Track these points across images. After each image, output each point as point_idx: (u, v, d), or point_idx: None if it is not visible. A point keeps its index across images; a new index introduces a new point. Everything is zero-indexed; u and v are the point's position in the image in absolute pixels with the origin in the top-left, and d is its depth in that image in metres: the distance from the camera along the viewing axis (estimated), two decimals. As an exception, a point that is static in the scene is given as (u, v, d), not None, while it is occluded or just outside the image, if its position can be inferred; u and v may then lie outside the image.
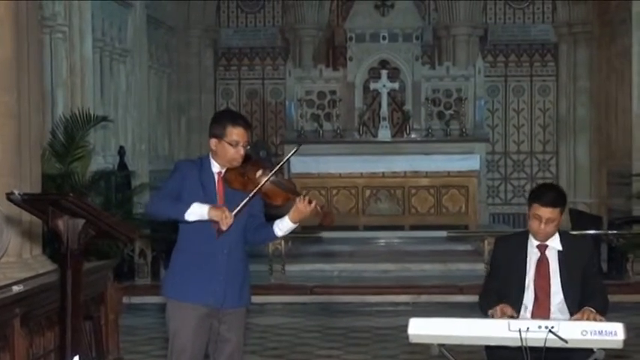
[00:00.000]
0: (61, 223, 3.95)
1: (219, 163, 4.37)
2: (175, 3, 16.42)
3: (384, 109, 16.00)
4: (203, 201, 4.25)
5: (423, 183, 14.47)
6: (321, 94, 16.34)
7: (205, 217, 4.19)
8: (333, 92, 16.36)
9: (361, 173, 14.52)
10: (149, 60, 14.89)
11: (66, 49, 11.68)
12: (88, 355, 5.26)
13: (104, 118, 10.70)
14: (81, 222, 3.97)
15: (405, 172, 14.53)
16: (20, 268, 6.84)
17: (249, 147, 4.38)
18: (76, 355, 3.84)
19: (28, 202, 4.02)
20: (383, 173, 14.54)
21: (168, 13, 16.09)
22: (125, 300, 7.13)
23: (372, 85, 16.10)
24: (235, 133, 4.29)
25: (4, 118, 6.96)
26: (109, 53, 13.25)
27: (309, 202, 4.24)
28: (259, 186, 4.24)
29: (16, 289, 4.52)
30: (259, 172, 4.29)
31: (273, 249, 10.96)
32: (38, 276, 5.38)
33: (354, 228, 14.06)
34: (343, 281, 11.17)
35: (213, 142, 4.35)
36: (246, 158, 4.39)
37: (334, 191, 14.43)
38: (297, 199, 4.26)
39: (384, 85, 15.90)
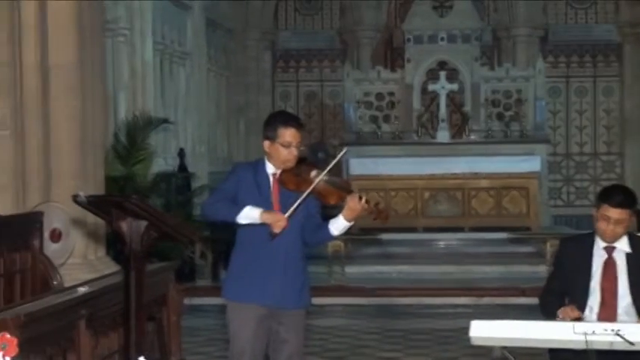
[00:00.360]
0: (124, 225, 4.00)
1: (273, 165, 4.38)
2: (233, 5, 16.53)
3: (443, 111, 15.90)
4: (259, 202, 4.27)
5: (483, 184, 14.34)
6: (380, 96, 16.29)
7: (257, 220, 4.21)
8: (391, 94, 16.30)
9: (420, 175, 14.43)
10: (208, 62, 15.02)
11: (127, 52, 11.84)
12: (152, 356, 5.32)
13: (165, 121, 10.82)
14: (143, 224, 4.01)
15: (465, 174, 14.41)
16: (85, 269, 6.96)
17: (302, 148, 4.38)
18: (140, 355, 3.88)
19: (93, 204, 4.08)
20: (442, 175, 14.42)
21: (227, 15, 16.20)
22: (186, 301, 7.17)
23: (431, 87, 16.01)
24: (287, 134, 4.30)
25: (69, 121, 7.09)
26: (168, 56, 13.40)
27: (361, 199, 4.22)
28: (312, 186, 4.24)
29: (81, 290, 4.59)
30: (313, 173, 4.29)
31: (333, 251, 10.95)
32: (102, 277, 5.45)
33: (413, 230, 13.98)
34: (403, 283, 11.11)
35: (266, 144, 4.37)
36: (301, 159, 4.39)
37: (393, 193, 14.37)
38: (349, 197, 4.24)
39: (442, 87, 15.80)
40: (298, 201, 4.24)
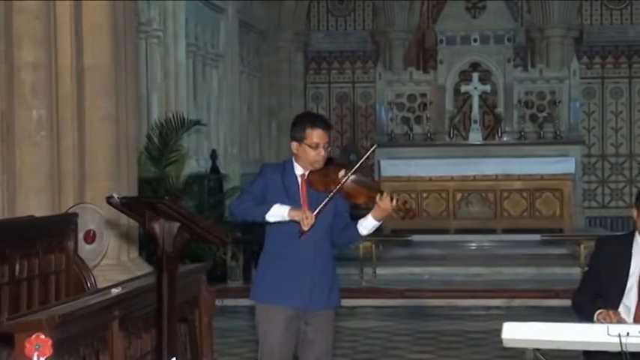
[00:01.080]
0: (157, 227, 4.00)
1: (301, 166, 4.38)
2: (266, 7, 16.57)
3: (475, 112, 15.83)
4: (287, 203, 4.27)
5: (516, 186, 14.26)
6: (412, 97, 16.26)
7: (286, 218, 4.21)
8: (423, 95, 16.26)
9: (452, 176, 14.39)
10: (240, 64, 15.07)
11: (160, 53, 11.91)
12: (184, 357, 5.34)
13: (197, 122, 10.86)
14: (176, 225, 4.02)
15: (497, 175, 14.35)
16: (118, 270, 7.01)
17: (330, 148, 4.38)
18: (172, 357, 3.90)
19: (126, 205, 4.10)
20: (474, 176, 14.39)
21: (259, 17, 16.24)
22: (218, 302, 7.19)
23: (463, 88, 15.95)
24: (315, 135, 4.30)
25: (103, 122, 7.14)
26: (201, 58, 13.46)
27: (391, 199, 4.22)
28: (340, 184, 4.24)
29: (114, 291, 4.62)
30: (342, 173, 4.29)
31: (364, 252, 10.95)
32: (135, 279, 5.48)
33: (445, 231, 13.95)
34: (434, 285, 11.09)
35: (294, 145, 4.37)
36: (329, 160, 4.39)
37: (424, 194, 14.34)
38: (378, 196, 4.24)
39: (475, 88, 15.74)
40: (326, 199, 4.24)
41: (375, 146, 4.61)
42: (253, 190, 4.35)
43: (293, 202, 4.32)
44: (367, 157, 4.56)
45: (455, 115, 16.23)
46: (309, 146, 4.30)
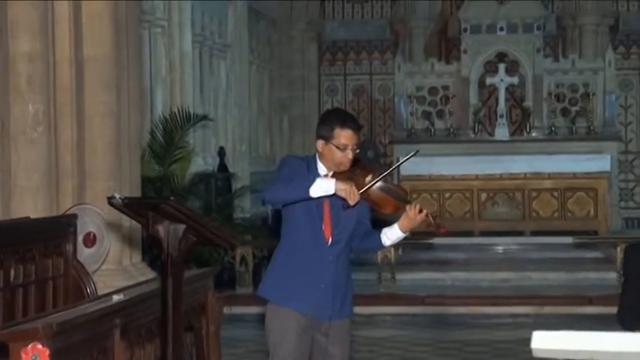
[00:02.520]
0: (161, 229, 4.01)
1: (326, 166, 4.35)
2: (278, -5, 16.59)
3: (502, 106, 15.80)
4: (309, 205, 4.26)
5: (546, 185, 14.22)
6: (433, 90, 16.24)
7: (331, 191, 4.14)
8: (445, 88, 16.24)
9: (476, 175, 14.37)
10: (250, 55, 15.09)
11: (165, 44, 11.94)
12: (190, 367, 5.36)
13: (204, 117, 10.89)
14: (181, 227, 4.03)
15: (526, 174, 14.31)
16: (120, 275, 7.03)
17: (357, 150, 4.36)
18: (178, 368, 3.90)
19: (128, 206, 4.11)
20: (501, 175, 14.36)
21: (270, 5, 16.25)
22: (226, 310, 7.21)
23: (489, 80, 15.92)
24: (344, 136, 4.27)
25: (103, 117, 7.15)
26: (208, 48, 13.48)
27: (420, 210, 4.20)
28: (366, 188, 4.20)
29: (116, 298, 4.63)
30: (369, 178, 4.26)
31: (382, 256, 10.94)
32: (138, 284, 5.49)
33: (469, 234, 13.93)
34: (457, 291, 11.07)
35: (320, 143, 4.34)
36: (355, 161, 4.38)
37: (447, 194, 14.33)
38: (408, 208, 4.22)
39: (501, 80, 15.71)
40: (375, 179, 4.17)
41: (416, 152, 4.49)
42: (285, 175, 4.28)
43: (314, 204, 4.30)
44: (402, 163, 4.51)
45: (480, 109, 16.19)
46: (337, 147, 4.28)
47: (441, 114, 16.09)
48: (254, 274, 10.98)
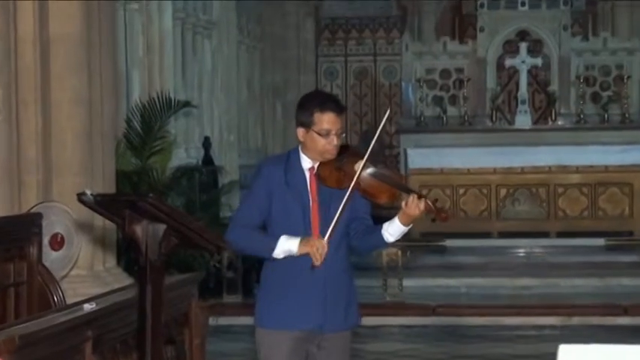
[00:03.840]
0: (138, 229, 4.00)
1: (309, 157, 4.34)
2: (269, -35, 16.58)
3: (524, 91, 15.81)
4: (292, 207, 4.27)
5: (574, 180, 14.22)
6: (445, 73, 16.24)
7: (295, 252, 4.24)
8: (459, 70, 16.25)
9: (495, 168, 14.36)
10: (238, 34, 15.08)
11: (142, 22, 11.93)
12: (171, 386, 5.36)
13: (186, 104, 10.87)
14: (162, 228, 4.01)
15: (551, 167, 14.31)
16: (92, 282, 7.03)
17: (343, 135, 4.36)
18: (157, 386, 3.90)
19: (101, 204, 4.09)
20: (522, 168, 14.35)
21: (262, -23, 16.26)
22: (212, 321, 7.21)
23: (509, 62, 15.93)
24: (325, 121, 4.27)
25: (72, 105, 7.15)
26: (191, 27, 13.47)
27: (420, 197, 4.19)
28: (354, 179, 4.21)
29: (87, 307, 4.62)
30: (358, 165, 4.27)
31: (388, 260, 10.93)
32: (112, 292, 5.48)
33: (487, 235, 13.93)
34: (473, 300, 11.07)
35: (300, 132, 4.33)
36: (344, 149, 4.37)
37: (461, 190, 14.32)
38: (405, 197, 4.21)
39: (523, 61, 15.71)
40: (338, 211, 4.21)
41: (388, 112, 4.56)
42: (251, 207, 4.32)
43: (299, 202, 4.29)
44: (381, 130, 4.52)
45: (498, 94, 16.20)
46: (319, 133, 4.27)
47: (454, 100, 16.09)
48: (244, 280, 10.98)
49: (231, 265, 11.07)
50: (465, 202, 14.27)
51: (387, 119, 4.58)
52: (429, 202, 4.20)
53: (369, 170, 4.25)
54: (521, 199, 14.29)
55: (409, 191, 4.24)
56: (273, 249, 4.26)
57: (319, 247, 4.21)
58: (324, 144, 4.28)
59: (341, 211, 4.23)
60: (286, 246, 4.25)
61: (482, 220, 14.20)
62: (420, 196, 4.18)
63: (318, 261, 4.21)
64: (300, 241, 4.24)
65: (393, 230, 4.31)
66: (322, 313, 4.33)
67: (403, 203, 4.21)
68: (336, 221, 4.23)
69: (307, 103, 4.35)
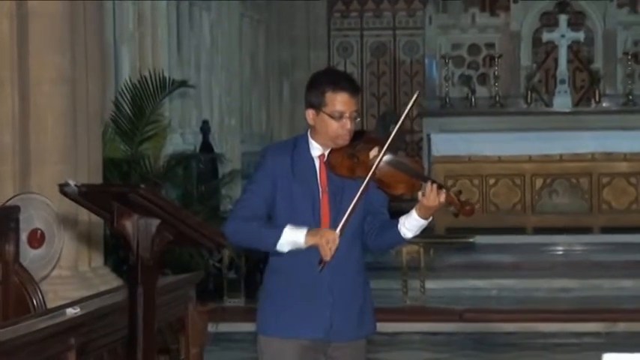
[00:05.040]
0: (129, 225, 4.02)
1: (320, 143, 4.35)
2: None
3: (563, 69, 15.78)
4: (299, 198, 4.28)
5: (620, 169, 14.20)
6: (474, 49, 16.22)
7: (302, 245, 4.23)
8: (490, 46, 16.23)
9: (530, 156, 14.35)
10: (240, 6, 15.06)
11: (132, -8, 11.93)
12: (165, 400, 5.38)
13: (182, 84, 10.86)
14: (155, 223, 4.04)
15: (594, 154, 14.29)
16: (76, 284, 7.04)
17: (358, 119, 4.35)
18: (149, 400, 3.92)
19: (86, 195, 4.11)
20: (561, 156, 14.33)
21: (267, -59, 16.25)
22: (211, 328, 7.21)
23: (546, 36, 15.90)
24: (338, 101, 4.28)
25: (54, 85, 7.15)
26: (188, -3, 13.48)
27: (440, 187, 4.18)
28: (372, 169, 4.20)
29: (70, 312, 4.64)
30: (373, 152, 4.26)
31: (409, 259, 10.94)
32: (99, 295, 5.50)
33: (520, 231, 13.93)
34: (505, 303, 11.08)
35: (310, 114, 4.34)
36: (359, 134, 4.37)
37: (492, 181, 14.32)
38: (424, 187, 4.21)
39: (562, 36, 15.68)
40: (353, 202, 4.21)
41: (417, 94, 4.52)
42: (252, 197, 4.32)
43: (307, 194, 4.30)
44: (407, 115, 4.52)
45: (534, 72, 16.18)
46: (330, 116, 4.28)
47: (483, 79, 16.07)
48: (247, 282, 10.99)
49: (232, 264, 11.08)
50: (496, 193, 14.26)
51: (414, 102, 4.55)
52: (451, 193, 4.19)
53: (385, 158, 4.25)
54: (559, 191, 14.28)
55: (428, 180, 4.23)
56: (277, 240, 4.24)
57: (330, 239, 4.20)
58: (336, 128, 4.29)
59: (356, 202, 4.23)
60: (292, 236, 4.24)
61: (516, 214, 14.20)
62: (440, 186, 4.18)
63: (327, 255, 4.20)
64: (308, 232, 4.23)
65: (410, 224, 4.31)
66: (328, 319, 4.33)
67: (420, 193, 4.21)
68: (350, 212, 4.22)
69: (318, 82, 4.36)
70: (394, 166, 4.25)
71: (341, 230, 4.22)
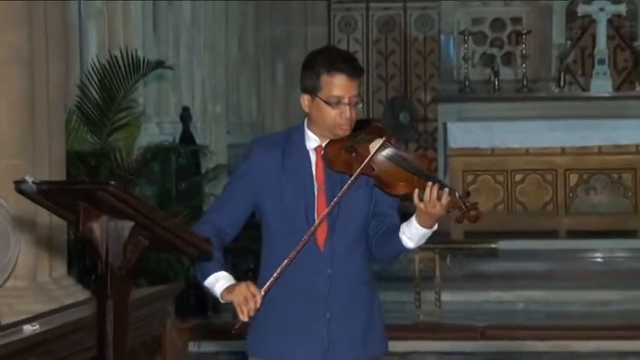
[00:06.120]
0: (97, 228, 4.02)
1: (317, 134, 4.38)
2: None
3: (602, 47, 15.78)
4: (291, 199, 4.31)
5: (670, 164, 14.23)
6: (498, 24, 16.24)
7: (220, 299, 4.34)
8: (516, 20, 16.25)
9: (563, 148, 14.35)
10: (227, -26, 15.07)
11: (100, -41, 11.94)
12: None
13: (159, 65, 10.88)
14: (127, 225, 4.03)
15: (638, 146, 14.29)
16: (35, 297, 7.02)
17: (360, 105, 4.36)
18: None
19: (47, 194, 4.11)
20: (599, 148, 14.34)
21: None
22: (192, 347, 7.22)
23: (582, 9, 15.91)
24: (336, 85, 4.29)
25: (8, 66, 7.15)
26: (165, -36, 13.48)
27: (441, 188, 4.17)
28: (364, 162, 4.21)
29: (28, 329, 4.65)
30: (375, 145, 4.27)
31: (422, 267, 10.95)
32: (62, 309, 5.51)
33: (552, 235, 13.94)
34: (534, 318, 11.12)
35: (305, 99, 4.37)
36: (362, 124, 4.38)
37: (518, 177, 14.32)
38: (427, 187, 4.19)
39: (601, 9, 15.69)
40: (334, 201, 4.23)
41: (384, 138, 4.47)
42: (228, 199, 4.39)
43: (300, 193, 4.31)
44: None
45: (568, 51, 16.19)
46: (327, 102, 4.30)
47: (509, 59, 16.08)
48: (234, 295, 10.99)
49: (217, 274, 11.08)
50: (524, 191, 14.26)
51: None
52: (455, 195, 4.17)
53: (386, 152, 4.24)
54: (597, 188, 14.29)
55: (431, 180, 4.22)
56: (203, 278, 4.37)
57: (248, 297, 4.21)
58: (334, 116, 4.29)
59: (337, 200, 4.23)
60: (213, 285, 4.35)
61: (547, 216, 14.21)
62: (442, 186, 4.17)
63: (244, 315, 4.21)
64: (226, 288, 4.29)
65: (411, 233, 4.32)
66: (326, 337, 4.35)
67: (415, 197, 4.18)
68: (321, 220, 4.23)
69: (313, 63, 4.37)
70: (394, 162, 4.25)
71: (266, 289, 4.25)
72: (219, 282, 4.30)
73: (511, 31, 16.25)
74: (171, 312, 6.09)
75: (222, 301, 4.30)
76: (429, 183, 4.19)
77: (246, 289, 4.22)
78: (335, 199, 4.24)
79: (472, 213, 4.20)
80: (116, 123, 10.05)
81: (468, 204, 4.20)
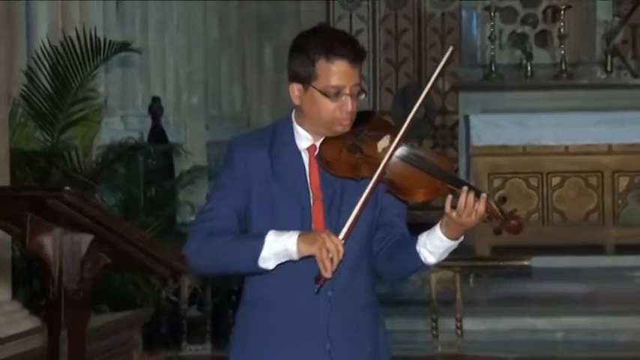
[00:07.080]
0: (48, 243, 4.03)
1: (309, 130, 4.39)
2: None
3: (656, 24, 15.86)
4: (281, 207, 4.31)
5: None
6: (530, -2, 16.28)
7: (294, 256, 4.22)
8: (552, -7, 16.30)
9: (610, 145, 14.38)
10: (204, -59, 15.11)
11: None
12: None
13: (124, 47, 10.90)
14: (86, 240, 4.04)
15: None
16: (-26, 324, 7.05)
17: (363, 95, 4.37)
18: None
19: (-13, 202, 4.12)
20: (654, 146, 14.40)
21: None
22: (165, 385, 7.23)
23: (630, -19, 15.98)
24: (334, 73, 4.30)
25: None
26: None
27: (477, 194, 4.17)
28: (381, 167, 4.20)
29: (-33, 363, 4.66)
30: (383, 143, 4.28)
31: (440, 290, 10.98)
32: (5, 340, 5.53)
33: (597, 250, 13.95)
34: (574, 350, 11.17)
35: (295, 89, 4.36)
36: (363, 117, 4.40)
37: (556, 180, 14.35)
38: (454, 195, 4.19)
39: (656, -22, 15.76)
40: (359, 204, 4.21)
41: (451, 50, 4.40)
42: (221, 206, 4.37)
43: (294, 202, 4.33)
44: (434, 86, 4.46)
45: (616, 30, 16.22)
46: (324, 93, 4.30)
47: (543, 39, 16.12)
48: (213, 321, 11.02)
49: (195, 298, 11.11)
50: (562, 198, 14.29)
51: (448, 60, 4.47)
52: (492, 202, 4.18)
53: (399, 151, 4.25)
54: (652, 195, 14.34)
55: (461, 184, 4.23)
56: (258, 253, 4.24)
57: (331, 248, 4.18)
58: (332, 110, 4.30)
59: (360, 209, 4.22)
60: (279, 245, 4.24)
61: (590, 227, 14.23)
62: (477, 193, 4.18)
63: (328, 270, 4.18)
64: (300, 236, 4.22)
65: (433, 246, 4.32)
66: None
67: (447, 204, 4.18)
68: (354, 220, 4.21)
69: (306, 46, 4.37)
70: (411, 163, 4.25)
71: (345, 236, 4.21)
72: (282, 239, 4.22)
73: (547, 5, 16.31)
74: (139, 342, 6.11)
75: (296, 258, 4.20)
76: (464, 188, 4.18)
77: (325, 237, 4.16)
78: (356, 211, 4.22)
79: (513, 222, 4.18)
80: (71, 117, 10.06)
81: (506, 212, 4.20)
